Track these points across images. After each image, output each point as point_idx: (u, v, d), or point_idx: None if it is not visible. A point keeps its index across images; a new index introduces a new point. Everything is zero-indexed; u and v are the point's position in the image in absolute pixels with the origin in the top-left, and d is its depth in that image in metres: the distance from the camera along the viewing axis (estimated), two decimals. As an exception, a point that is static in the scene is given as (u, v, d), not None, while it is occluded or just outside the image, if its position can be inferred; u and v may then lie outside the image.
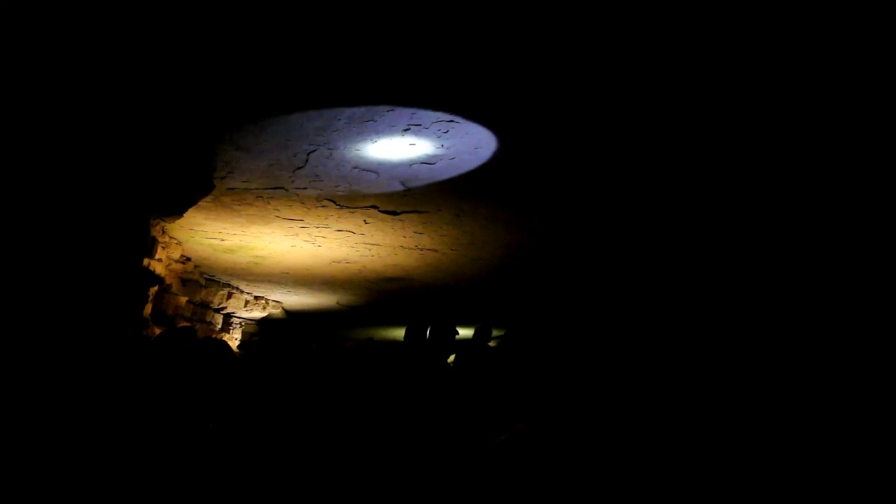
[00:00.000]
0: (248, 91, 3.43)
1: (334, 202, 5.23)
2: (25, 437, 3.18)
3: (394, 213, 5.45)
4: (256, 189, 4.98)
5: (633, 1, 2.54)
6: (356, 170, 4.52)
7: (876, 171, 4.12)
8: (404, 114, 3.65)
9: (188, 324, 7.76)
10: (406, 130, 3.87)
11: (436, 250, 6.62)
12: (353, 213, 5.48)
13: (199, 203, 5.15)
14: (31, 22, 2.87)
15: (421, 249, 6.61)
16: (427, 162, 4.35)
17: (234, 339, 10.06)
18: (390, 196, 5.06)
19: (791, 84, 3.14)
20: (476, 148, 4.09)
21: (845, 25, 2.64)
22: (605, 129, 3.77)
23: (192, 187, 4.76)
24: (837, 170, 4.16)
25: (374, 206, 5.33)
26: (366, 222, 5.72)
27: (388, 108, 3.58)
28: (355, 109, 3.59)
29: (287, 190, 4.97)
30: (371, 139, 4.00)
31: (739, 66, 2.99)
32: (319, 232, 6.09)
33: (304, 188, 4.92)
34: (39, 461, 3.09)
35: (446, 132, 3.88)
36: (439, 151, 4.17)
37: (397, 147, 4.11)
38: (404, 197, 5.07)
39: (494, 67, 3.10)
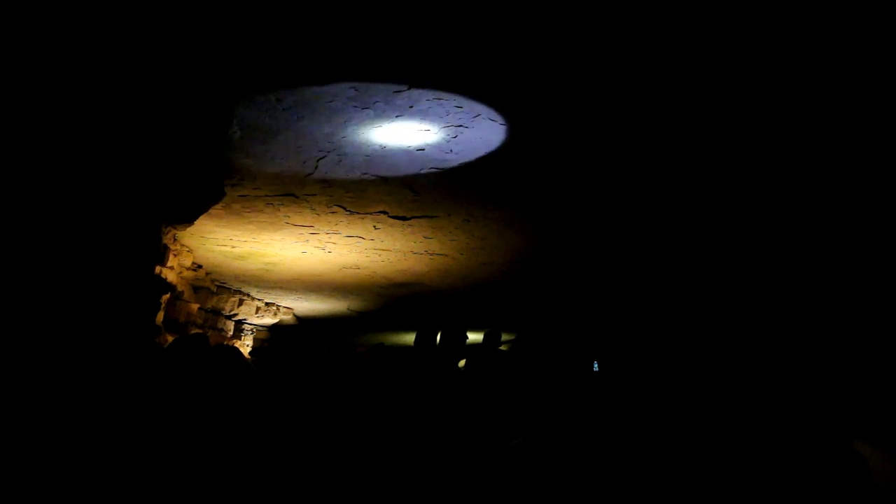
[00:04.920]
0: (258, 95, 3.45)
1: (344, 208, 5.24)
2: (39, 444, 3.20)
3: (403, 218, 5.46)
4: (267, 196, 5.00)
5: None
6: (365, 175, 4.53)
7: (875, 172, 4.07)
8: (413, 118, 3.65)
9: (200, 331, 7.79)
10: (416, 135, 3.87)
11: (445, 255, 6.62)
12: (363, 218, 5.49)
13: (210, 210, 5.18)
14: (45, 32, 2.91)
15: (431, 255, 6.61)
16: (436, 167, 4.35)
17: (245, 346, 10.09)
18: (400, 201, 5.07)
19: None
20: (485, 151, 4.09)
21: (844, 26, 2.61)
22: (610, 128, 3.76)
23: (203, 194, 4.78)
24: (842, 170, 4.12)
25: (383, 212, 5.33)
26: (376, 228, 5.73)
27: (398, 112, 3.59)
28: (365, 112, 3.60)
29: (297, 196, 4.99)
30: (380, 144, 4.01)
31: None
32: (330, 238, 6.10)
33: (314, 194, 4.93)
34: (53, 468, 3.10)
35: (455, 137, 3.88)
36: (448, 156, 4.17)
37: (406, 152, 4.12)
38: (414, 202, 5.07)
39: (503, 69, 3.10)
